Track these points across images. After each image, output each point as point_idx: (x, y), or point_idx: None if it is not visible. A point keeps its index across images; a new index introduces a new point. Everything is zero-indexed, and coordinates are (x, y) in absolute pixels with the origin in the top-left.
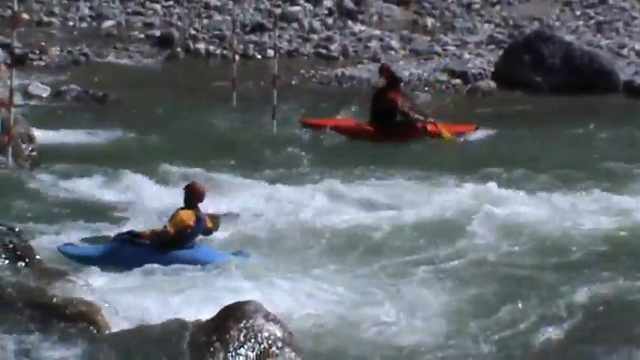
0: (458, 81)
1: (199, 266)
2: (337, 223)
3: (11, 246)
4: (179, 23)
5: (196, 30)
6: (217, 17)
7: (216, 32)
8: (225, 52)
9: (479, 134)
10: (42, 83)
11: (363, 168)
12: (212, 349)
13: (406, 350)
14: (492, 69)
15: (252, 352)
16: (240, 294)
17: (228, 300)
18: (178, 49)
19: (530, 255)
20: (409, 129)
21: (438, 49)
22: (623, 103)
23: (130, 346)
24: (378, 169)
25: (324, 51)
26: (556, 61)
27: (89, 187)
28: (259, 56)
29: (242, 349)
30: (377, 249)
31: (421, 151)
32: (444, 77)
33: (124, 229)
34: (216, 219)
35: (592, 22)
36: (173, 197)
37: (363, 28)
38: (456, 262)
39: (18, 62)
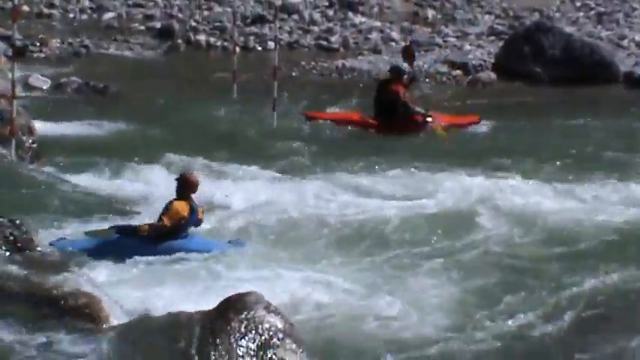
0: (458, 72)
1: (198, 257)
2: (339, 215)
3: (12, 238)
4: (179, 15)
5: (197, 22)
6: (218, 9)
7: (217, 24)
8: (225, 43)
9: (480, 126)
10: (42, 75)
11: (365, 160)
12: (213, 340)
13: (408, 342)
14: (493, 60)
15: (253, 343)
16: (241, 285)
17: (229, 291)
18: (179, 41)
19: (537, 246)
20: (410, 123)
21: (438, 40)
22: (623, 95)
23: (131, 338)
24: (379, 161)
25: (324, 43)
26: (556, 53)
27: (90, 179)
28: (260, 48)
29: (243, 340)
30: (380, 240)
31: (423, 143)
32: (444, 69)
33: (123, 222)
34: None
35: (592, 13)
36: (174, 189)
37: (363, 19)
38: (462, 254)
39: (18, 54)
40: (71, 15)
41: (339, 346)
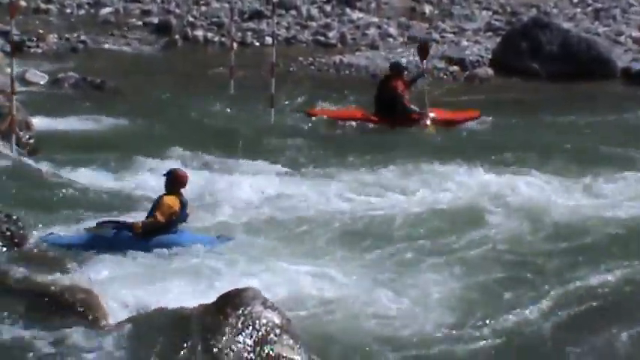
0: (456, 68)
1: (195, 253)
2: (338, 210)
3: (9, 233)
4: (177, 10)
5: (194, 17)
6: (215, 4)
7: (214, 19)
8: (223, 39)
9: (478, 122)
10: (39, 71)
11: (364, 155)
12: (211, 335)
13: (406, 338)
14: (490, 56)
15: (251, 338)
16: (239, 281)
17: (226, 287)
18: (176, 37)
19: (541, 241)
20: (407, 120)
21: (435, 36)
22: (620, 90)
23: (129, 334)
24: (378, 157)
25: (322, 38)
26: (553, 49)
27: (87, 174)
28: (257, 44)
29: (240, 335)
30: (380, 236)
31: (422, 139)
32: (441, 64)
33: (116, 218)
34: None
35: (589, 9)
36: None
37: (361, 15)
38: (464, 249)
39: (16, 50)
40: (68, 10)
41: (336, 342)
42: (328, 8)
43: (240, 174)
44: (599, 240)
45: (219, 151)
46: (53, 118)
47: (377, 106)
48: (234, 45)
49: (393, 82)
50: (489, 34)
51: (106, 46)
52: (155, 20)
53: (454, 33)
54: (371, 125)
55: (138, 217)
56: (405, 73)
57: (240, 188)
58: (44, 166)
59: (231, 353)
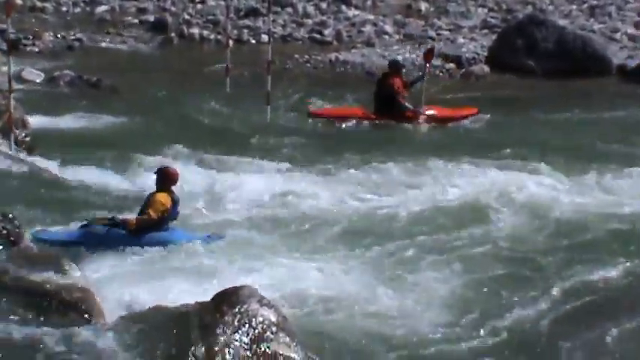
0: (452, 65)
1: (191, 251)
2: (334, 208)
3: (5, 232)
4: (173, 8)
5: (190, 15)
6: (211, 2)
7: (210, 17)
8: (219, 37)
9: (473, 119)
10: (35, 69)
11: (361, 153)
12: (207, 333)
13: (404, 336)
14: (486, 53)
15: (247, 336)
16: (235, 278)
17: (222, 284)
18: (172, 34)
19: (542, 238)
20: (402, 117)
21: (431, 33)
22: (616, 87)
23: (125, 332)
24: (374, 154)
25: (318, 36)
26: (549, 46)
27: (83, 172)
28: (253, 41)
29: (237, 333)
30: (377, 234)
31: (419, 136)
32: (437, 62)
33: (113, 215)
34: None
35: (585, 6)
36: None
37: (356, 12)
38: (464, 247)
39: (12, 48)
40: (64, 8)
41: (332, 339)
42: (324, 6)
43: (235, 172)
44: (600, 237)
45: (215, 149)
46: (49, 116)
47: (376, 103)
48: (230, 43)
49: (391, 80)
50: (485, 31)
51: (102, 44)
52: (151, 18)
53: (450, 30)
54: (366, 122)
55: (133, 215)
56: (404, 71)
57: (235, 186)
58: (40, 164)
59: (228, 351)
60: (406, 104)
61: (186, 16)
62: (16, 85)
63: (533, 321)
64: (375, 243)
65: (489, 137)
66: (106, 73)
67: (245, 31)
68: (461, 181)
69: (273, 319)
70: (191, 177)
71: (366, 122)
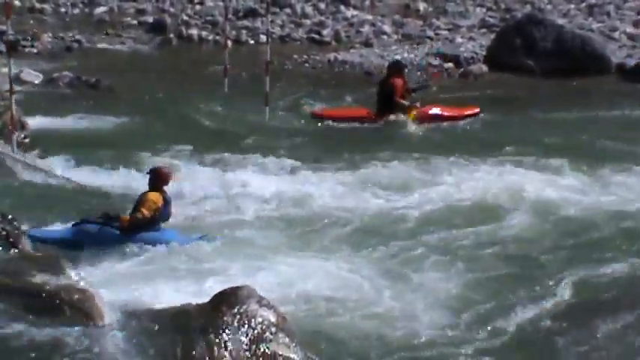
0: (450, 65)
1: (189, 252)
2: (333, 208)
3: (4, 233)
4: (171, 9)
5: (189, 16)
6: (209, 3)
7: (209, 18)
8: (217, 37)
9: (472, 118)
10: (34, 70)
11: (360, 152)
12: (206, 334)
13: (404, 336)
14: (484, 53)
15: (246, 337)
16: (234, 279)
17: (221, 285)
18: (171, 35)
19: (547, 237)
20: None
21: (430, 33)
22: (615, 86)
23: (124, 333)
24: (373, 154)
25: (316, 36)
26: (548, 45)
27: (82, 173)
28: (252, 42)
29: (236, 334)
30: (378, 234)
31: (417, 135)
32: (436, 61)
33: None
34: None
35: (583, 5)
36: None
37: (355, 12)
38: (468, 246)
39: (11, 49)
40: (63, 9)
41: (332, 340)
42: (322, 6)
43: (233, 172)
44: (605, 235)
45: (213, 149)
46: (48, 117)
47: (378, 104)
48: (229, 43)
49: (392, 80)
50: (483, 30)
51: (101, 45)
52: (150, 19)
53: (448, 30)
54: (368, 123)
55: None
56: (406, 70)
57: (234, 186)
58: (39, 165)
59: (227, 351)
60: (402, 102)
61: (185, 17)
62: (14, 87)
63: (540, 321)
64: (377, 243)
65: (489, 137)
66: (104, 74)
67: (243, 31)
68: (463, 181)
69: (273, 319)
70: (189, 177)
71: (367, 123)
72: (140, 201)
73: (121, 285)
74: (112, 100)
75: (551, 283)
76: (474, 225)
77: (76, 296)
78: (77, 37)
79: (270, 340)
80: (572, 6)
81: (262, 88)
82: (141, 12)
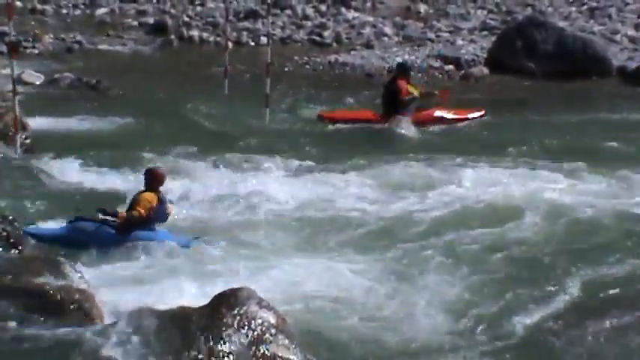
0: (451, 67)
1: (188, 253)
2: (334, 209)
3: (5, 234)
4: (172, 10)
5: (189, 17)
6: (210, 4)
7: (210, 19)
8: (218, 39)
9: (473, 121)
10: (35, 71)
11: (360, 155)
12: (206, 335)
13: (405, 338)
14: (485, 55)
15: (246, 338)
16: (234, 280)
17: (221, 286)
18: (172, 37)
19: (556, 240)
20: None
21: (431, 35)
22: (616, 89)
23: (124, 334)
24: (376, 156)
25: (317, 38)
26: (549, 47)
27: (83, 174)
28: (252, 43)
29: (236, 335)
30: (379, 236)
31: (420, 137)
32: (437, 63)
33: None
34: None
35: (585, 8)
36: (165, 183)
37: (356, 14)
38: (474, 249)
39: (13, 50)
40: (64, 10)
41: (332, 342)
42: (323, 8)
43: (233, 174)
44: (612, 238)
45: (213, 151)
46: (49, 118)
47: (384, 106)
48: (229, 45)
49: (398, 82)
50: (485, 33)
51: (102, 46)
52: (151, 20)
53: (449, 32)
54: (372, 125)
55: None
56: (412, 73)
57: (233, 188)
58: (40, 166)
59: (227, 353)
60: (407, 98)
61: (186, 19)
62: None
63: (547, 325)
64: (380, 245)
65: (492, 139)
66: (105, 75)
67: (244, 33)
68: (468, 183)
69: (273, 320)
70: (189, 178)
71: (371, 125)
72: (135, 200)
73: (121, 286)
74: (112, 101)
75: (558, 286)
76: (480, 227)
77: (76, 296)
78: (78, 38)
79: (270, 342)
80: (574, 8)
81: (263, 89)
82: (142, 13)
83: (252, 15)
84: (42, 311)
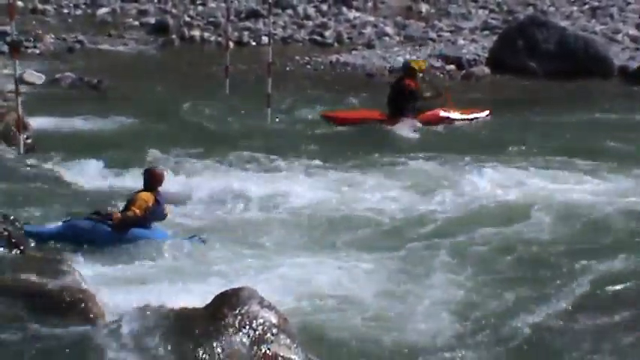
0: (452, 67)
1: (189, 253)
2: (336, 209)
3: (6, 234)
4: (174, 10)
5: (191, 17)
6: (212, 4)
7: (211, 19)
8: (219, 39)
9: (479, 120)
10: (37, 71)
11: (362, 155)
12: (207, 335)
13: (408, 339)
14: (487, 55)
15: (247, 338)
16: (235, 280)
17: (222, 286)
18: (173, 36)
19: (564, 240)
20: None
21: (432, 35)
22: (617, 88)
23: (125, 334)
24: (377, 156)
25: (318, 37)
26: (550, 47)
27: (84, 173)
28: (254, 43)
29: (237, 335)
30: (380, 236)
31: (421, 137)
32: (438, 63)
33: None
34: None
35: (586, 7)
36: (166, 183)
37: (357, 14)
38: (476, 249)
39: (15, 50)
40: (65, 10)
41: (333, 341)
42: (325, 7)
43: (235, 173)
44: (620, 238)
45: (215, 150)
46: (50, 117)
47: (390, 106)
48: (230, 45)
49: (405, 82)
50: (486, 32)
51: (103, 46)
52: (152, 20)
53: (451, 32)
54: (373, 125)
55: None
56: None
57: (235, 187)
58: (41, 165)
59: (228, 353)
60: (427, 94)
61: (187, 18)
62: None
63: (552, 326)
64: (382, 245)
65: (496, 139)
66: (106, 74)
67: (246, 33)
68: (472, 183)
69: (274, 320)
70: (190, 178)
71: (377, 125)
72: (131, 200)
73: (122, 285)
74: (113, 100)
75: (566, 286)
76: (487, 227)
77: (77, 296)
78: (79, 38)
79: (271, 342)
80: (575, 8)
81: (264, 89)
82: (143, 13)
83: (253, 15)
84: (43, 311)
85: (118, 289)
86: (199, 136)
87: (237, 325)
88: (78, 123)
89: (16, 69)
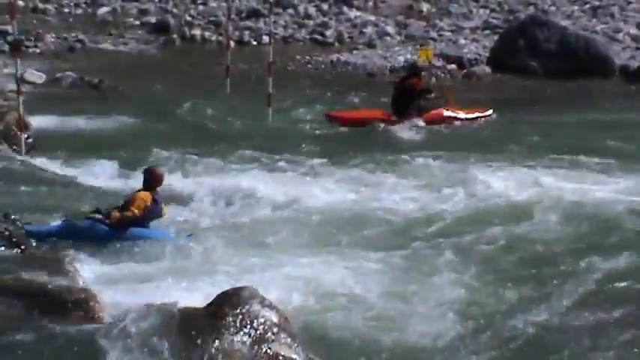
0: (453, 66)
1: (190, 251)
2: (337, 209)
3: (7, 233)
4: (174, 10)
5: (192, 16)
6: (212, 4)
7: (212, 18)
8: (220, 38)
9: (481, 119)
10: (37, 70)
11: (365, 154)
12: (208, 334)
13: (408, 338)
14: (488, 54)
15: (248, 337)
16: (236, 279)
17: (223, 285)
18: (174, 36)
19: (567, 240)
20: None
21: (433, 34)
22: (618, 88)
23: (126, 333)
24: (380, 156)
25: (319, 37)
26: (551, 46)
27: (84, 172)
28: (255, 42)
29: (238, 334)
30: (381, 236)
31: (422, 136)
32: (439, 63)
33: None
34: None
35: (587, 6)
36: (167, 182)
37: (358, 13)
38: (481, 248)
39: (16, 50)
40: (66, 10)
41: (334, 341)
42: (325, 7)
43: (236, 173)
44: (625, 237)
45: (216, 150)
46: (51, 117)
47: (394, 106)
48: (231, 44)
49: (409, 81)
50: (487, 32)
51: (104, 45)
52: (153, 19)
53: (452, 31)
54: (376, 125)
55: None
56: (424, 73)
57: (235, 187)
58: (42, 165)
59: (229, 352)
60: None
61: (188, 18)
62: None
63: (555, 327)
64: (385, 244)
65: (495, 138)
66: (107, 74)
67: (246, 32)
68: (475, 182)
69: (275, 320)
70: (191, 177)
71: (382, 124)
72: (130, 199)
73: (123, 285)
74: (114, 100)
75: (571, 286)
76: (493, 226)
77: (79, 295)
78: (80, 37)
79: (272, 341)
80: (576, 7)
81: (265, 88)
82: (144, 12)
83: (254, 14)
84: (44, 310)
85: (119, 289)
86: (200, 136)
87: (238, 325)
88: (79, 122)
89: (17, 68)
